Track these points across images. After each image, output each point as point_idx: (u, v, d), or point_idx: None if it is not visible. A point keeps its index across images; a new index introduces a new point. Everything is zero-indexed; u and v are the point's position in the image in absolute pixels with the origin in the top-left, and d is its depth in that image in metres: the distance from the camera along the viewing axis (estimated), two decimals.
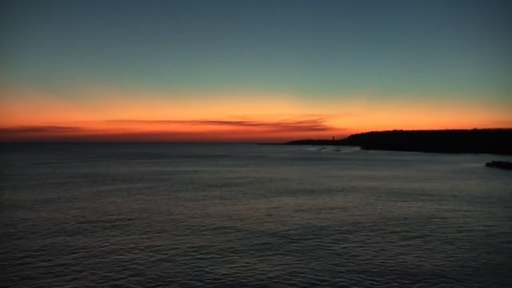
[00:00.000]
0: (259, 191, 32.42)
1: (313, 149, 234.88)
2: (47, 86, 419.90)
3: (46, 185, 35.52)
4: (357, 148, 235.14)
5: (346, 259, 13.88)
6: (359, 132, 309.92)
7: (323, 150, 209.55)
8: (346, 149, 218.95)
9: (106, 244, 15.47)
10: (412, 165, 73.54)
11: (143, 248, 14.93)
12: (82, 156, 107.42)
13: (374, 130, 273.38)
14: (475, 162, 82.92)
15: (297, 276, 12.09)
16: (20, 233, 17.25)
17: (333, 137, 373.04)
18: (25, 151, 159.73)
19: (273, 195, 30.02)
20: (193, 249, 14.88)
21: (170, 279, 11.73)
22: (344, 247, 15.36)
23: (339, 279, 11.90)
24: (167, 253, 14.28)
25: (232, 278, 11.79)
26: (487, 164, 70.63)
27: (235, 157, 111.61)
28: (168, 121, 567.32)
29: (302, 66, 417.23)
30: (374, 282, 11.71)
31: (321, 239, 16.44)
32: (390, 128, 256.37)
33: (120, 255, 14.06)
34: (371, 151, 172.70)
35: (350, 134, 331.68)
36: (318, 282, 11.61)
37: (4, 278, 11.76)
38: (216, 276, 11.94)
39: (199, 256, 13.99)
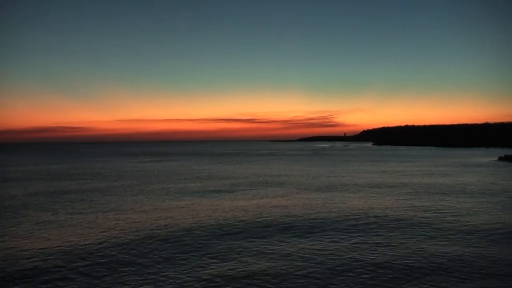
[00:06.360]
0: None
1: (336, 145, 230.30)
2: (56, 86, 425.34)
3: None
4: (369, 144, 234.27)
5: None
6: (370, 127, 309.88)
7: (351, 146, 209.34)
8: (366, 144, 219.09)
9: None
10: (429, 159, 73.50)
11: None
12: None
13: (385, 125, 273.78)
14: (487, 156, 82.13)
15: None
16: None
17: (344, 133, 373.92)
18: (41, 152, 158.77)
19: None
20: None
21: None
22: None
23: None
24: None
25: None
26: (500, 158, 69.62)
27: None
28: (178, 120, 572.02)
29: (312, 63, 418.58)
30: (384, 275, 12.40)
31: None
32: (401, 123, 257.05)
33: None
34: (401, 147, 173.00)
35: (361, 130, 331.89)
36: None
37: None
38: None
39: None
